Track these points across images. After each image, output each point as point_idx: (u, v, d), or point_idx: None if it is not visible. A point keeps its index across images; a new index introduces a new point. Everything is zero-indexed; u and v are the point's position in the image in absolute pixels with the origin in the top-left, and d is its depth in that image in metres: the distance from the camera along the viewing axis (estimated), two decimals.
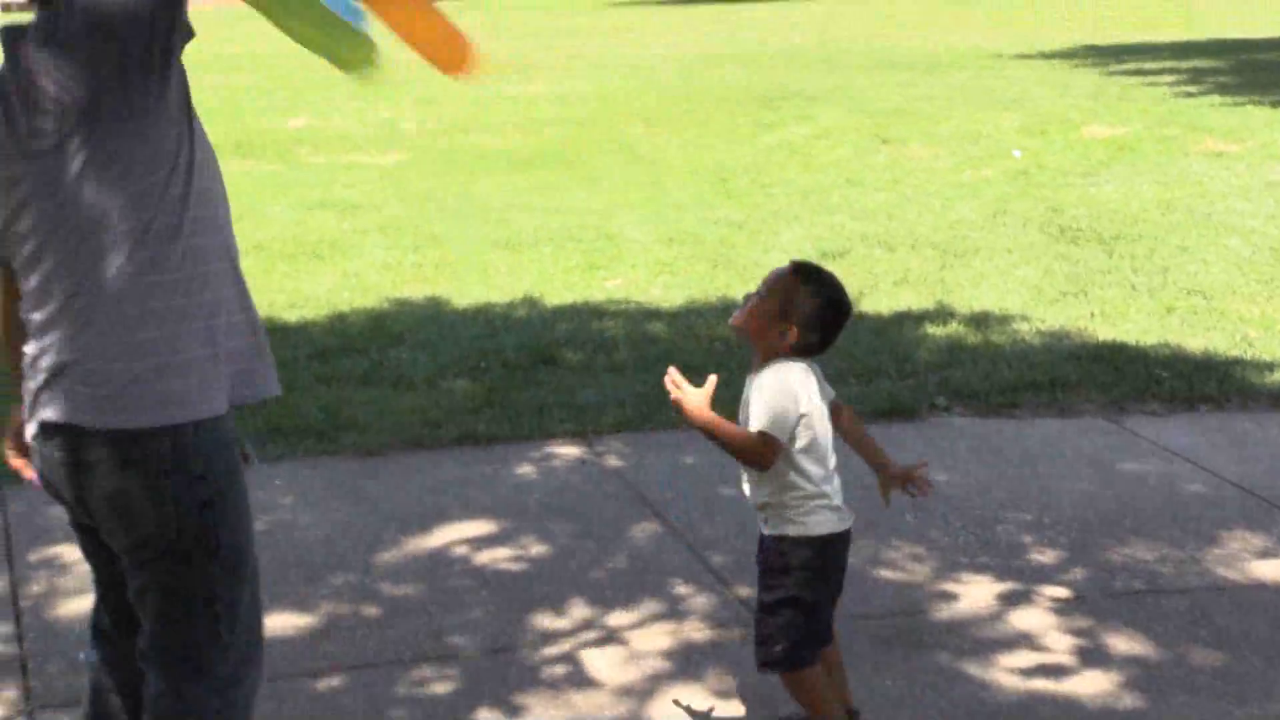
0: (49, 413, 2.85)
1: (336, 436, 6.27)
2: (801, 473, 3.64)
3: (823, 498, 3.67)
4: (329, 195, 12.61)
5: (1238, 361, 7.26)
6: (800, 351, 3.66)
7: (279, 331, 8.07)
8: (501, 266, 9.64)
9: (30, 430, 2.93)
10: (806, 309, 3.63)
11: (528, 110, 19.02)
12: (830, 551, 3.70)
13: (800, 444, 3.62)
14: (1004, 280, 8.89)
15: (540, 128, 17.06)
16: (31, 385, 2.89)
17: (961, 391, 6.81)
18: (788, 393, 3.60)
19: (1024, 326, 7.89)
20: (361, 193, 12.74)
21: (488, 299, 8.78)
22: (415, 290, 9.09)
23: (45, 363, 2.84)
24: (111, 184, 2.70)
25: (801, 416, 3.61)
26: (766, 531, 3.73)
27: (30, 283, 2.83)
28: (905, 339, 7.73)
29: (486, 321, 8.21)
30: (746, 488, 3.76)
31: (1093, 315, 8.07)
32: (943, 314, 8.17)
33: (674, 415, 3.93)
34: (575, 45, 34.24)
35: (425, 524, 5.34)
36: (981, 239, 10.08)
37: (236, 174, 10.83)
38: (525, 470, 5.93)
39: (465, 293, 8.96)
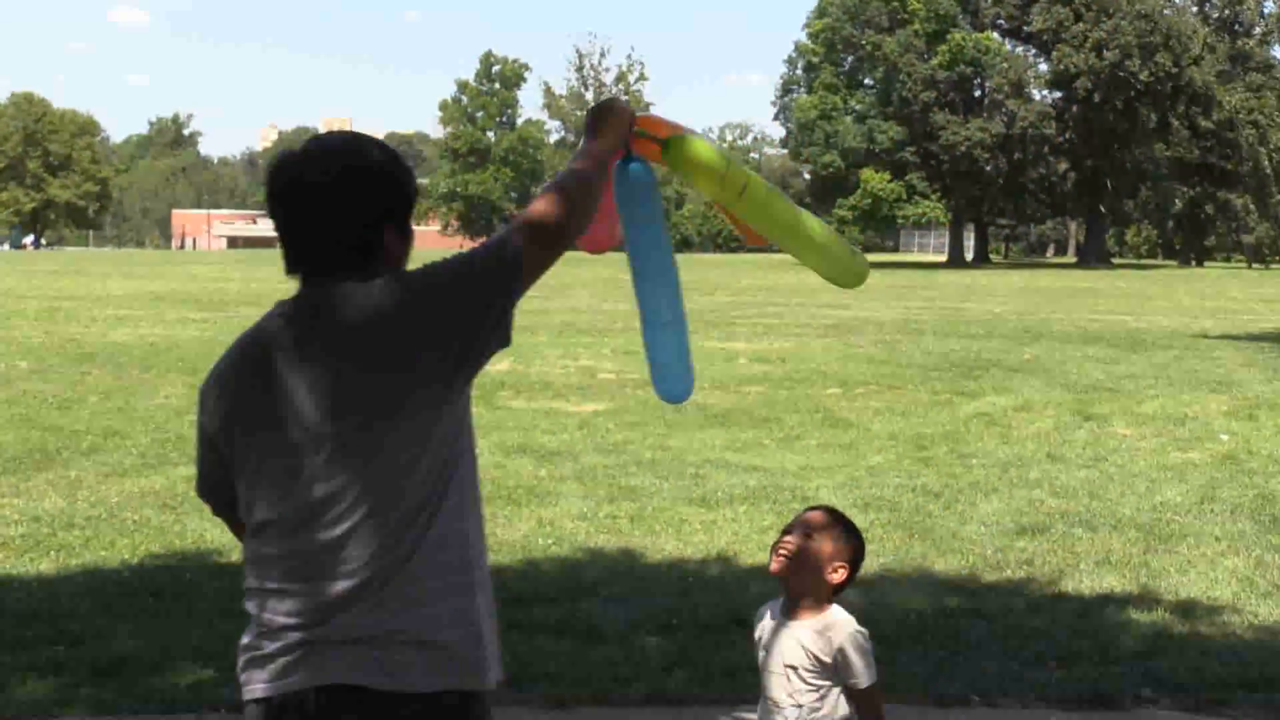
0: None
1: (527, 685, 6.25)
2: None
3: None
4: (529, 441, 12.82)
5: None
6: (840, 590, 3.83)
7: None
8: (696, 523, 9.65)
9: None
10: (851, 549, 3.83)
11: (726, 366, 19.23)
12: None
13: None
14: (1212, 569, 8.62)
15: (738, 384, 17.21)
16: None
17: (1167, 684, 6.55)
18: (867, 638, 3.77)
19: (1235, 619, 7.61)
20: (560, 440, 12.92)
21: (681, 555, 8.77)
22: (609, 541, 9.12)
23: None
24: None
25: None
26: None
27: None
28: (1107, 623, 7.49)
29: (679, 578, 8.18)
30: None
31: None
32: (1147, 600, 7.92)
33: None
34: (775, 303, 34.68)
35: None
36: (1188, 524, 9.82)
37: None
38: None
39: (659, 547, 8.97)
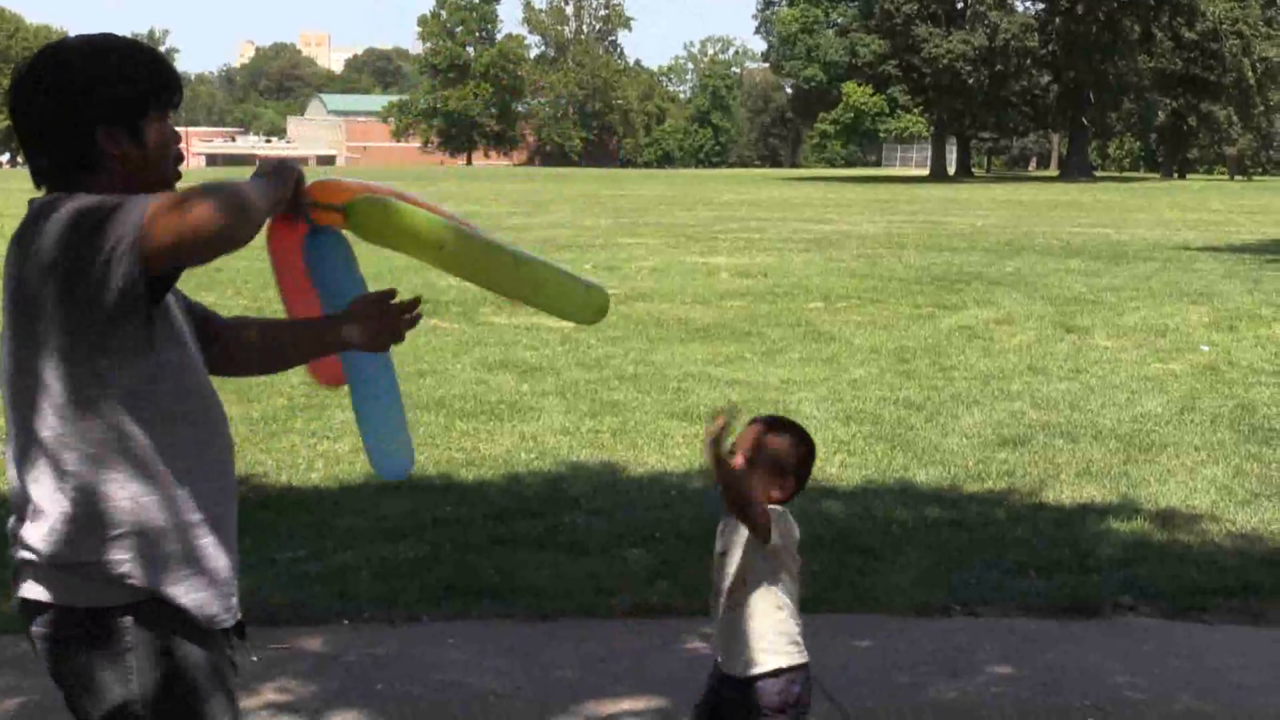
0: None
1: (511, 599, 6.28)
2: (790, 604, 3.83)
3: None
4: (510, 356, 12.81)
5: None
6: (786, 500, 3.89)
7: (456, 490, 8.17)
8: (678, 436, 9.66)
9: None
10: (795, 459, 3.88)
11: (708, 281, 19.20)
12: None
13: (785, 578, 3.82)
14: (1192, 478, 8.67)
15: (720, 298, 17.20)
16: None
17: (1147, 591, 6.60)
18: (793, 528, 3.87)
19: (1213, 527, 7.66)
20: (541, 355, 12.92)
21: (664, 468, 8.79)
22: (591, 455, 9.14)
23: None
24: None
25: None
26: (744, 672, 3.79)
27: None
28: (1088, 533, 7.54)
29: (662, 491, 8.21)
30: (732, 635, 3.82)
31: None
32: (1127, 509, 7.97)
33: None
34: (757, 218, 34.60)
35: (596, 693, 5.29)
36: (1168, 434, 9.87)
37: (424, 331, 11.02)
38: (697, 645, 5.85)
39: (641, 461, 8.99)
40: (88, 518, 2.74)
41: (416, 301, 3.10)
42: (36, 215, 2.76)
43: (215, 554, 2.87)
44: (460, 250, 3.21)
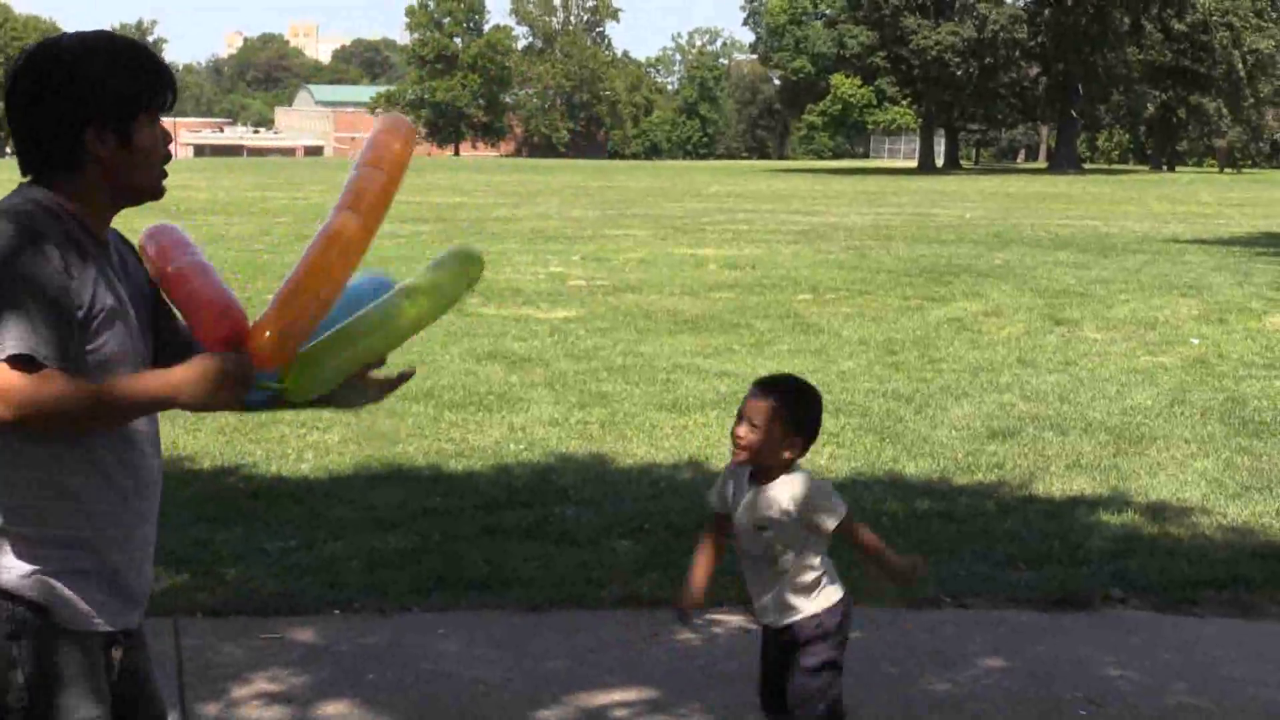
0: None
1: (500, 589, 6.27)
2: (823, 554, 4.13)
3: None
4: (499, 347, 12.79)
5: None
6: (803, 453, 4.12)
7: (445, 480, 8.15)
8: (667, 428, 9.65)
9: None
10: (798, 422, 4.06)
11: (696, 272, 19.19)
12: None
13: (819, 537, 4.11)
14: (1182, 471, 8.67)
15: (708, 290, 17.18)
16: None
17: (1137, 583, 6.60)
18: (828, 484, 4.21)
19: (1204, 520, 7.67)
20: (530, 347, 12.90)
21: (653, 459, 8.79)
22: (580, 447, 9.13)
23: None
24: None
25: None
26: (790, 619, 4.09)
27: None
28: (1077, 525, 7.54)
29: (651, 482, 8.20)
30: (776, 594, 4.10)
31: (1279, 512, 7.81)
32: (1117, 502, 7.97)
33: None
34: (745, 209, 34.57)
35: (585, 684, 5.28)
36: (1158, 427, 9.87)
37: None
38: (686, 636, 5.84)
39: (630, 452, 8.98)
40: None
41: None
42: None
43: (106, 563, 2.84)
44: (394, 334, 3.07)
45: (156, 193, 2.90)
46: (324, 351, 2.95)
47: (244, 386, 2.75)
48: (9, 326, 2.60)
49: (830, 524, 4.03)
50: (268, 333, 2.79)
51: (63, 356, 2.65)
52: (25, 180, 2.83)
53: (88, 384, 2.66)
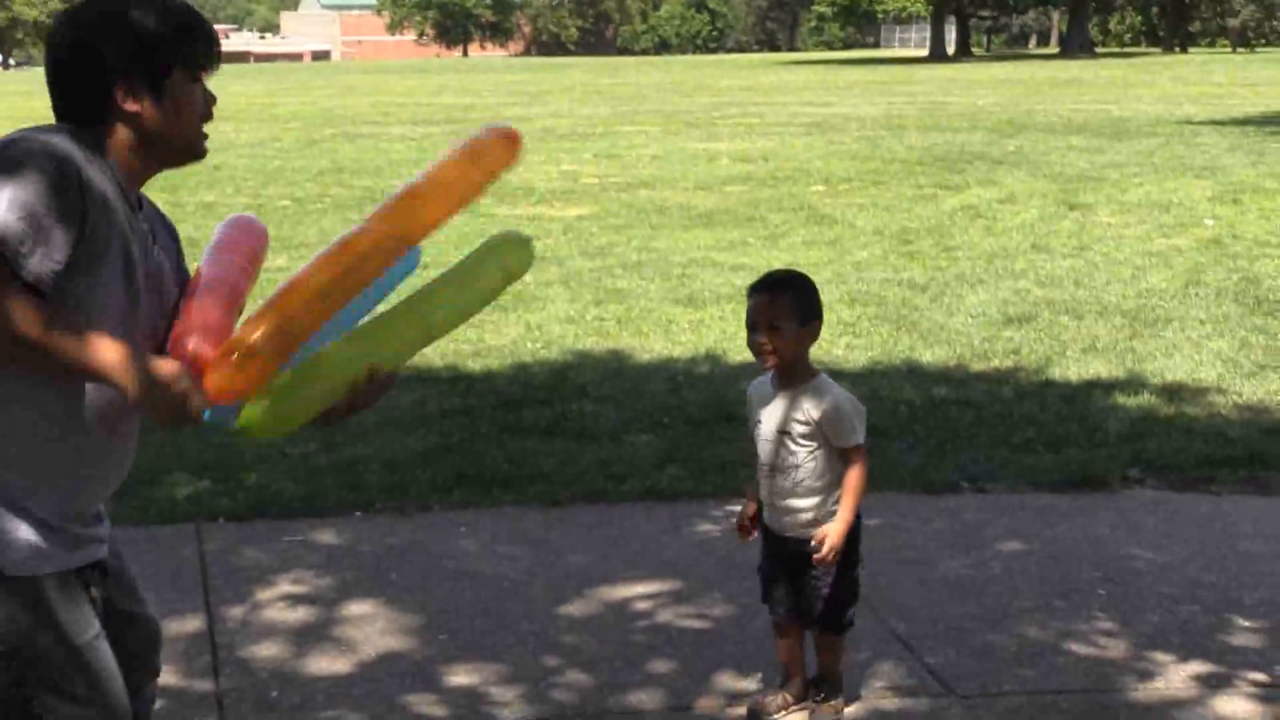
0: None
1: (521, 486, 6.31)
2: (833, 468, 4.08)
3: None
4: None
5: None
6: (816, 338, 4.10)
7: (463, 380, 8.18)
8: (683, 322, 9.66)
9: None
10: (806, 310, 4.03)
11: (709, 167, 19.10)
12: None
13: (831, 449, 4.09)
14: (1197, 351, 8.67)
15: (721, 184, 17.12)
16: None
17: (1154, 464, 6.63)
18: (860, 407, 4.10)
19: (1219, 399, 7.68)
20: (545, 245, 12.87)
21: (670, 354, 8.80)
22: (597, 344, 9.14)
23: None
24: None
25: None
26: (813, 530, 4.04)
27: None
28: (1095, 408, 7.56)
29: (669, 377, 8.22)
30: (799, 501, 4.08)
31: None
32: (1133, 384, 7.99)
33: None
34: (756, 103, 34.34)
35: (608, 577, 5.33)
36: (1173, 308, 9.86)
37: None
38: (707, 528, 5.90)
39: (647, 347, 9.00)
40: None
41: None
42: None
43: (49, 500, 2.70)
44: (369, 353, 2.83)
45: (196, 152, 2.78)
46: (302, 381, 2.73)
47: (180, 415, 2.58)
48: (39, 236, 2.48)
49: (840, 441, 4.01)
50: (234, 354, 2.60)
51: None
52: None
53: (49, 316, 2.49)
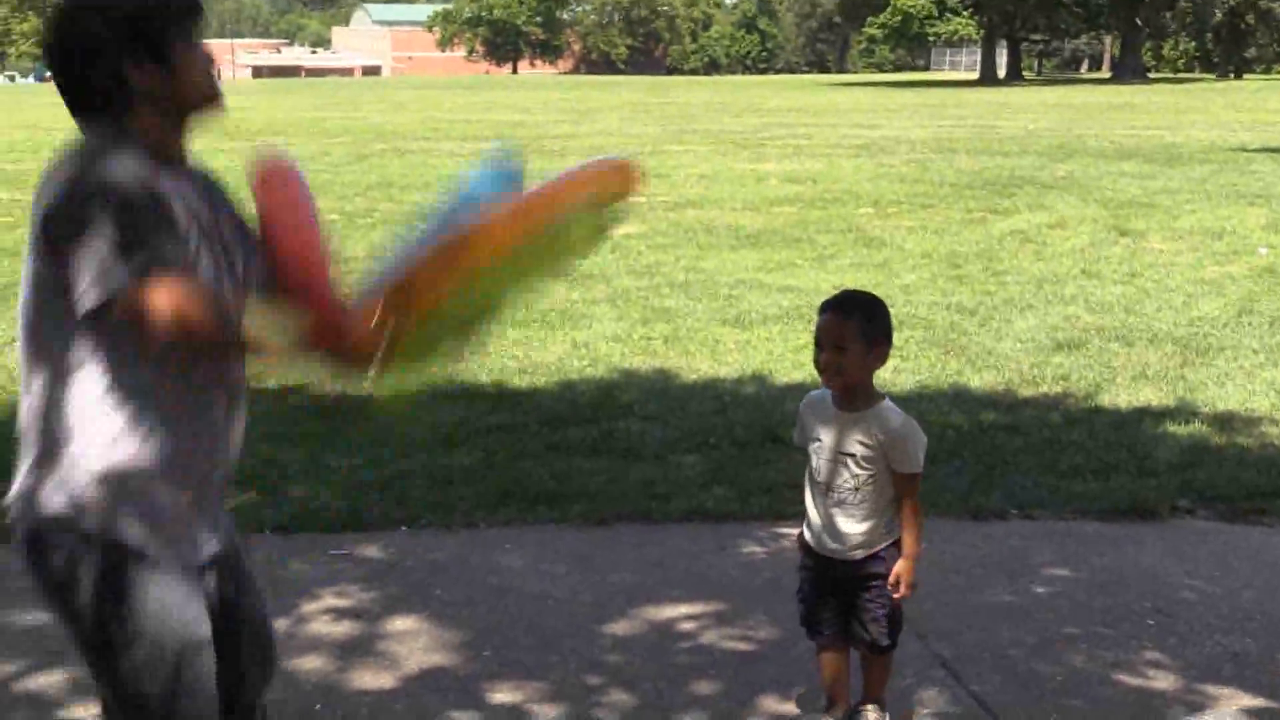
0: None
1: (566, 504, 6.30)
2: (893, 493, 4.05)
3: None
4: None
5: None
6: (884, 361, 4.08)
7: (509, 397, 8.18)
8: (730, 343, 9.64)
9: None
10: (876, 333, 3.98)
11: (757, 187, 19.09)
12: None
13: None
14: (1250, 381, 8.59)
15: (769, 205, 17.10)
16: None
17: (1205, 493, 6.56)
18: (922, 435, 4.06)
19: (1273, 430, 7.60)
20: (593, 263, 12.84)
21: (717, 374, 8.79)
22: (644, 362, 9.14)
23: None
24: None
25: None
26: (866, 553, 4.04)
27: None
28: (1144, 436, 7.49)
29: (715, 397, 8.20)
30: (854, 525, 4.03)
31: None
32: (1184, 412, 7.91)
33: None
34: (805, 124, 34.31)
35: (652, 597, 5.31)
36: (1225, 337, 9.77)
37: None
38: (753, 549, 5.88)
39: (694, 367, 8.98)
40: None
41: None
42: (62, 159, 2.72)
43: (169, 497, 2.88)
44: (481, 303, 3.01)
45: (213, 98, 2.85)
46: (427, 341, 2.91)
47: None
48: (138, 247, 2.60)
49: (901, 466, 3.98)
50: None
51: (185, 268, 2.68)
52: (89, 127, 2.78)
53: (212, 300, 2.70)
